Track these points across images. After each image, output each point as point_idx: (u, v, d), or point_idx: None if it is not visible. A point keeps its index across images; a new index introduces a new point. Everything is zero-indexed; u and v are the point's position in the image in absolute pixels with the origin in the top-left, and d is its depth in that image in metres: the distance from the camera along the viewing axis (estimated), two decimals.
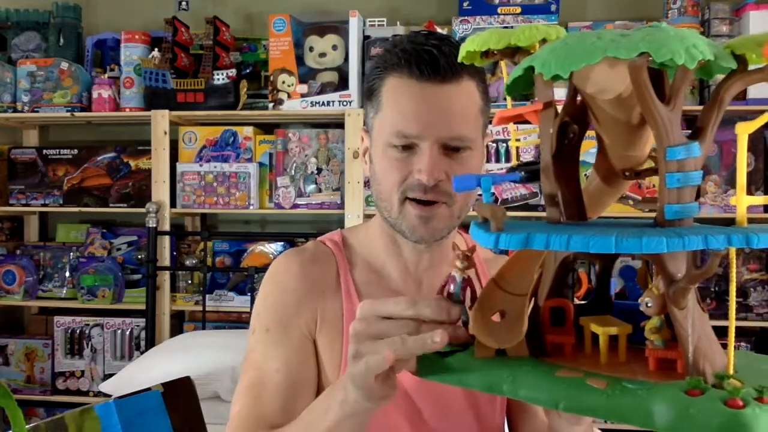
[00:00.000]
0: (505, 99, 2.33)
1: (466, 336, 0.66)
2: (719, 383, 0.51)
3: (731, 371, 0.52)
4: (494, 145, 2.58)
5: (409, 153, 1.03)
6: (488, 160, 2.53)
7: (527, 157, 2.48)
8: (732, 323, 0.50)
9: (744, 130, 0.48)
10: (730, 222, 0.53)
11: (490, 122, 0.90)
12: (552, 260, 0.60)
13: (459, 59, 0.68)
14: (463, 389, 1.03)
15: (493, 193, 0.62)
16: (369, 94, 1.09)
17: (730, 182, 2.55)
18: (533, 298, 0.61)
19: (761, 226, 0.51)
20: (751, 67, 0.54)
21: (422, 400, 1.07)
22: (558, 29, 0.64)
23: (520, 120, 0.66)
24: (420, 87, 1.01)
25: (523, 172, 0.64)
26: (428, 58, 1.00)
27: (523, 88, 0.58)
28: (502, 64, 0.71)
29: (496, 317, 0.60)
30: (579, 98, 0.62)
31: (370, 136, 1.11)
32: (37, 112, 2.79)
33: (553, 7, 2.62)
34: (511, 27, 2.54)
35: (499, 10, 2.62)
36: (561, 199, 0.57)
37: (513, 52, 0.64)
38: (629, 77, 0.50)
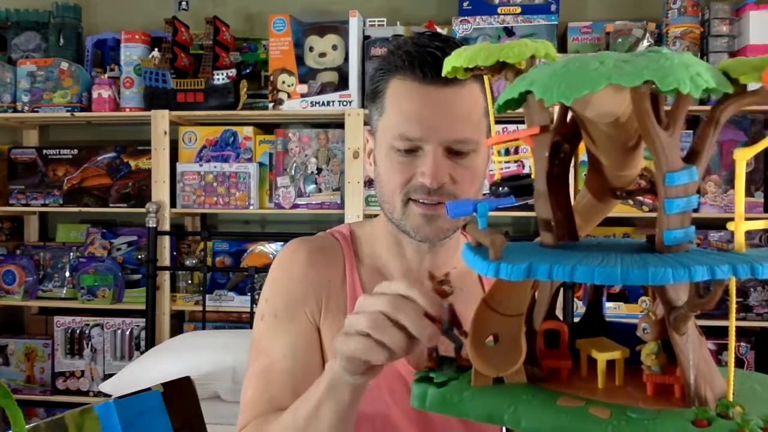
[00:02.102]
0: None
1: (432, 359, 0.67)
2: (725, 412, 0.50)
3: (730, 397, 0.52)
4: None
5: (412, 156, 1.03)
6: None
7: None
8: (731, 352, 0.50)
9: (742, 156, 0.48)
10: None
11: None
12: (549, 283, 0.59)
13: (443, 73, 0.66)
14: None
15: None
16: (373, 96, 1.09)
17: (730, 182, 2.53)
18: (527, 321, 0.60)
19: (765, 254, 0.50)
20: (750, 87, 0.53)
21: None
22: (546, 45, 0.62)
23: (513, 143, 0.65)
24: (423, 90, 1.01)
25: (506, 188, 0.63)
26: (432, 60, 0.99)
27: (514, 107, 0.57)
28: (487, 79, 0.70)
29: (489, 340, 0.59)
30: (570, 116, 0.61)
31: (375, 137, 1.11)
32: (37, 112, 2.79)
33: (553, 7, 2.61)
34: (511, 27, 2.56)
35: (499, 10, 2.62)
36: (554, 222, 0.57)
37: (500, 68, 0.63)
38: (631, 103, 0.50)
